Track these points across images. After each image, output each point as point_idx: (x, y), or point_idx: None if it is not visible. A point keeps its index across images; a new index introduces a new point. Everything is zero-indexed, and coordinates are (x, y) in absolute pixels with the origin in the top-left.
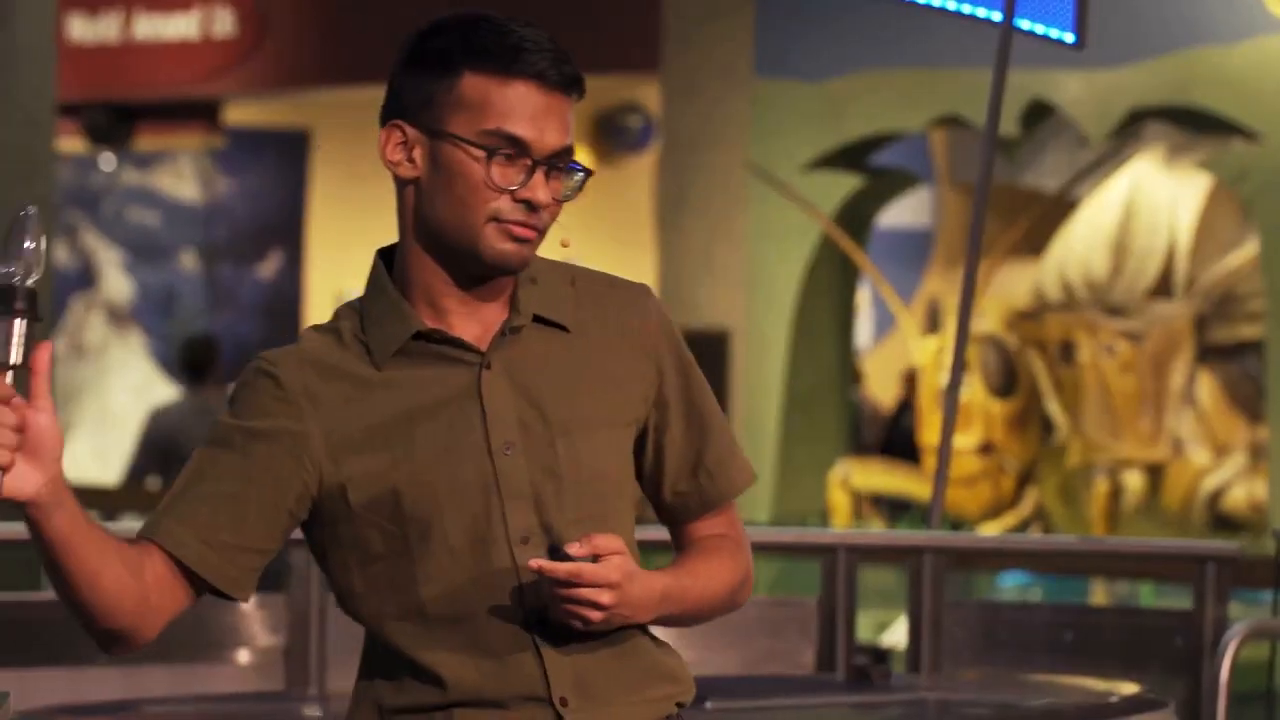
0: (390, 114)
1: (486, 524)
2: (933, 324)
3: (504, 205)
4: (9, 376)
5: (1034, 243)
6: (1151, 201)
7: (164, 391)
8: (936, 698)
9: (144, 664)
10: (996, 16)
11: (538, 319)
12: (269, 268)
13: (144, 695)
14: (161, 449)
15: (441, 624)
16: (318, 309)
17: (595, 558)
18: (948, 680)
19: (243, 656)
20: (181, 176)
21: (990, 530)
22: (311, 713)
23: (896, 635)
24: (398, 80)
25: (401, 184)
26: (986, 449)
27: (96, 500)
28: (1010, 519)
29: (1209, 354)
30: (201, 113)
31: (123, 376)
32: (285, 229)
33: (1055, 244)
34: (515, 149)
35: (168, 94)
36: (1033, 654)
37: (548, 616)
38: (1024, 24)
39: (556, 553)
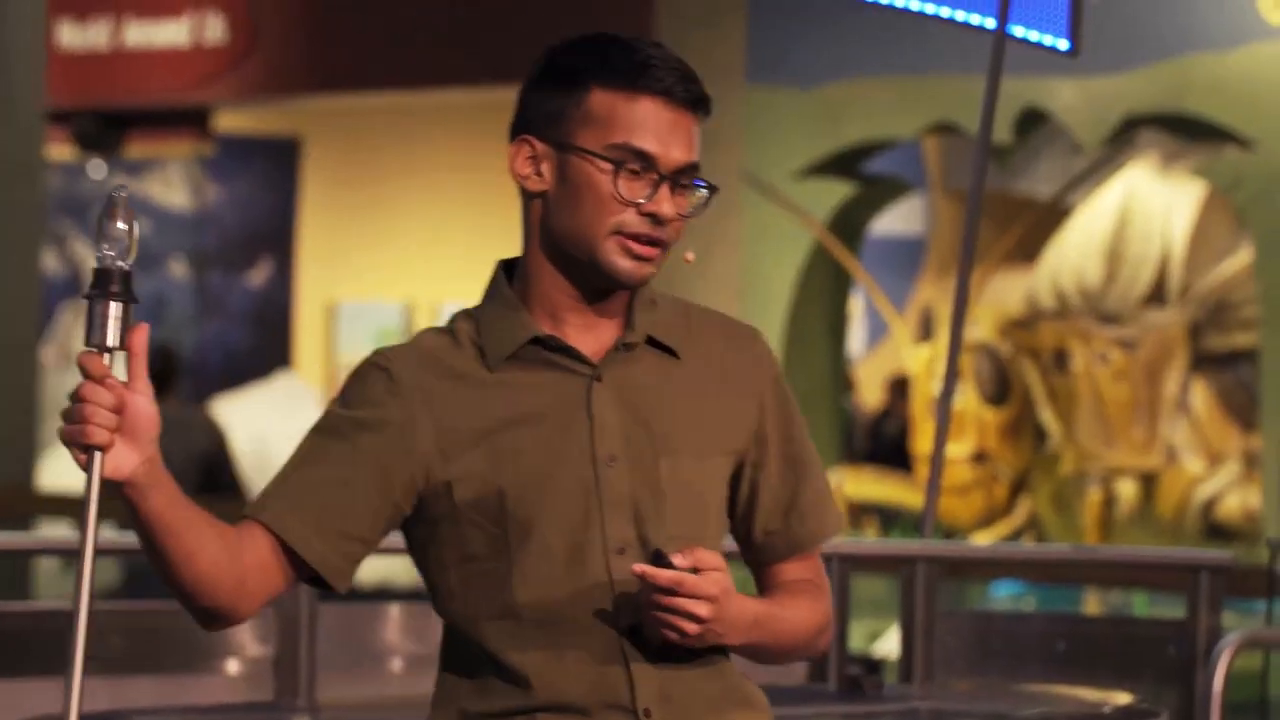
0: (518, 129)
1: (584, 532)
2: (926, 332)
3: (629, 218)
4: (106, 359)
5: (1027, 250)
6: (1145, 209)
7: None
8: (929, 708)
9: (132, 674)
10: (990, 23)
11: (651, 341)
12: (259, 275)
13: (132, 706)
14: None
15: (533, 627)
16: (308, 317)
17: (696, 571)
18: (940, 690)
19: (232, 666)
20: (171, 184)
21: (983, 539)
22: None
23: (889, 645)
24: (526, 96)
25: (528, 197)
26: (979, 457)
27: (69, 509)
28: (1003, 528)
29: (1203, 362)
30: (191, 120)
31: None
32: (275, 236)
33: (1049, 252)
34: (642, 163)
35: (158, 101)
36: (1026, 664)
37: (639, 627)
38: (1018, 31)
39: (660, 560)
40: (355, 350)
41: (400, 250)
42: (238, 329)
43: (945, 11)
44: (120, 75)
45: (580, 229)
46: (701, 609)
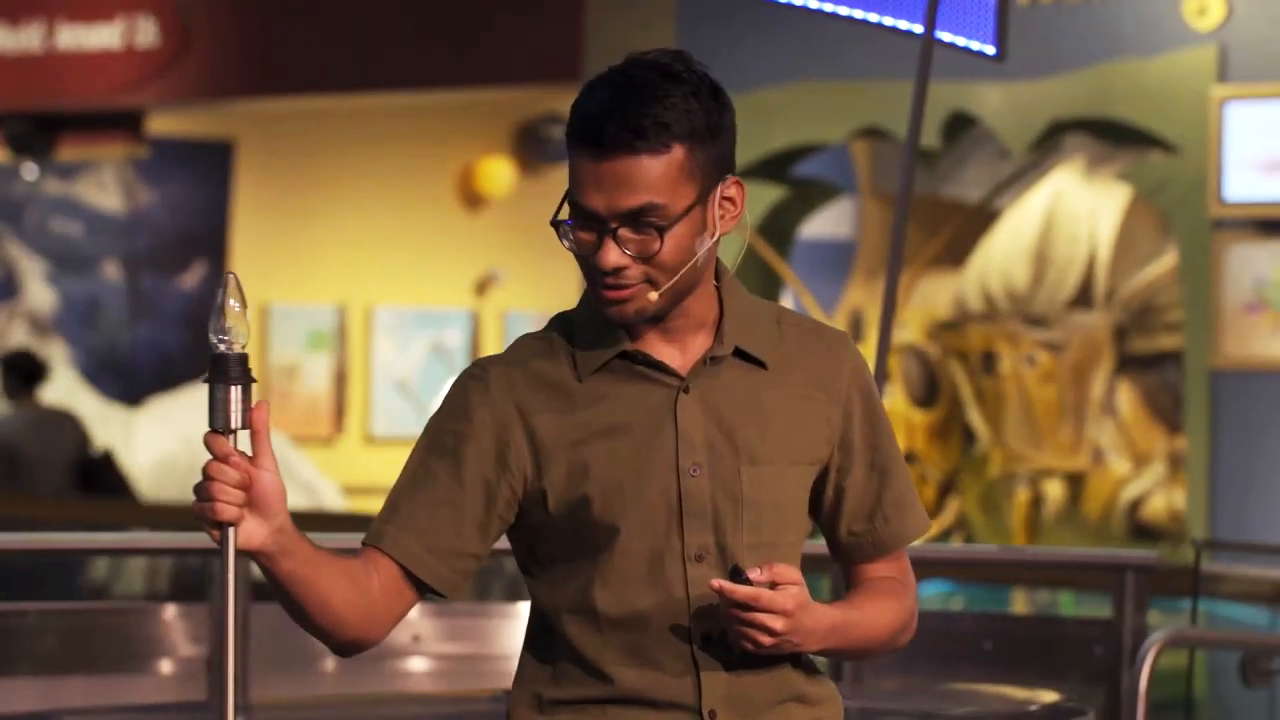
0: None
1: (665, 539)
2: (855, 334)
3: (593, 268)
4: (231, 440)
5: (955, 253)
6: (1071, 213)
7: (87, 402)
8: (858, 707)
9: (64, 674)
10: (917, 28)
11: (739, 353)
12: (192, 278)
13: (64, 706)
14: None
15: (610, 625)
16: None
17: (773, 585)
18: (869, 689)
19: (164, 666)
20: (104, 186)
21: None
22: None
23: None
24: None
25: None
26: (908, 458)
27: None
28: (932, 528)
29: (1128, 364)
30: (124, 123)
31: (45, 386)
32: (209, 240)
33: (976, 255)
34: (584, 218)
35: (90, 104)
36: (954, 663)
37: (710, 632)
38: (945, 36)
39: (738, 575)
40: (288, 352)
41: (333, 253)
42: (171, 331)
43: (873, 17)
44: (52, 78)
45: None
46: (777, 623)
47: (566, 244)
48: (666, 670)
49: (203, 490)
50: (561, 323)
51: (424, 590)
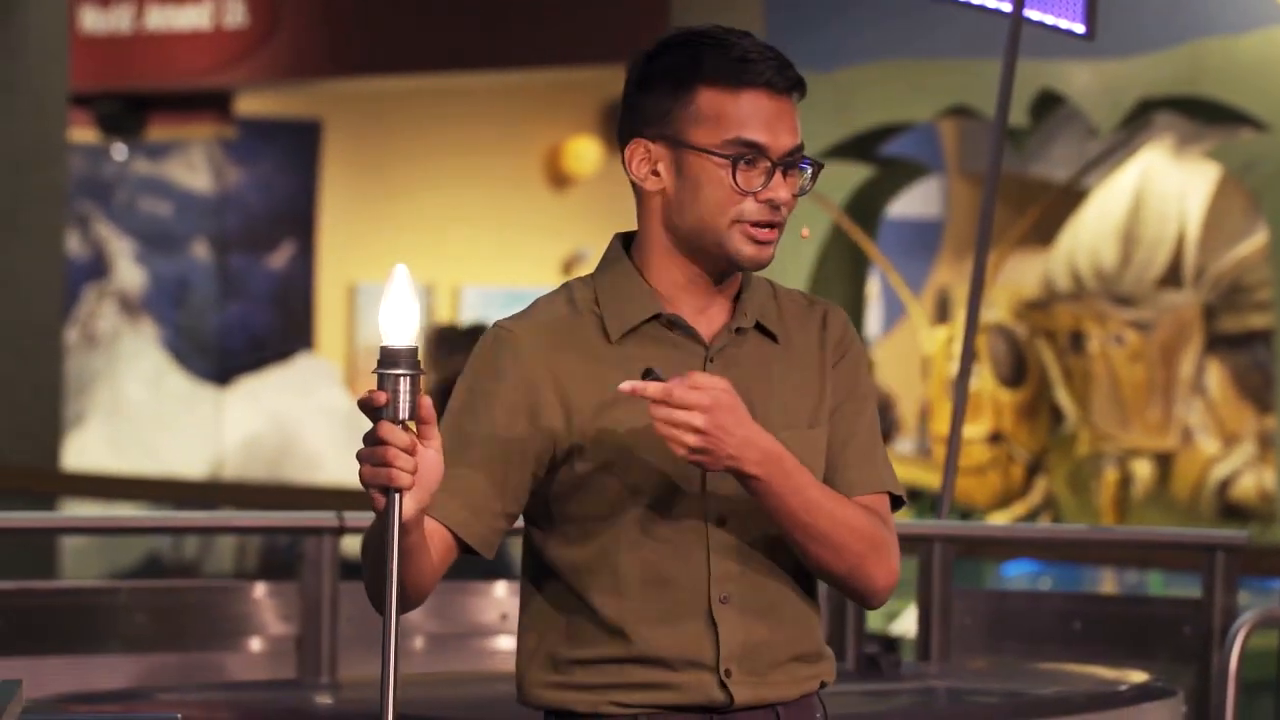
0: (630, 132)
1: (688, 500)
2: (942, 314)
3: (748, 207)
4: (400, 428)
5: (1043, 233)
6: (1160, 191)
7: (176, 382)
8: (946, 686)
9: (155, 652)
10: (1006, 7)
11: (758, 326)
12: (280, 258)
13: (155, 684)
14: None
15: (630, 585)
16: (329, 299)
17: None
18: (957, 669)
19: (255, 644)
20: (193, 166)
21: (999, 519)
22: (323, 700)
23: (906, 624)
24: (633, 99)
25: (645, 194)
26: (996, 438)
27: (92, 488)
28: (1019, 508)
29: (1218, 343)
30: (213, 103)
31: (135, 366)
32: (297, 219)
33: (1064, 234)
34: (754, 153)
35: (179, 84)
36: (1042, 643)
37: (730, 594)
38: (1033, 14)
39: (649, 374)
40: (376, 332)
41: (420, 232)
42: (260, 311)
43: None
44: (142, 58)
45: (704, 221)
46: (696, 419)
47: (724, 175)
48: (686, 630)
49: (376, 456)
50: (582, 286)
51: (463, 548)
